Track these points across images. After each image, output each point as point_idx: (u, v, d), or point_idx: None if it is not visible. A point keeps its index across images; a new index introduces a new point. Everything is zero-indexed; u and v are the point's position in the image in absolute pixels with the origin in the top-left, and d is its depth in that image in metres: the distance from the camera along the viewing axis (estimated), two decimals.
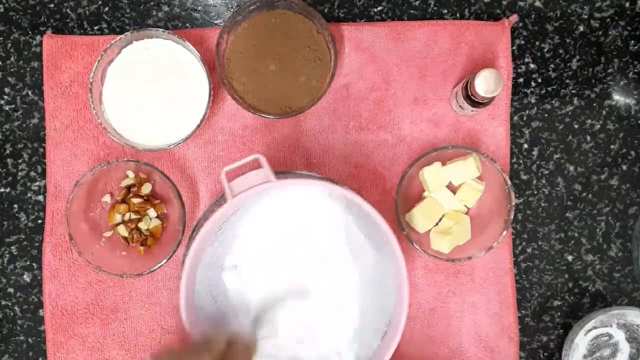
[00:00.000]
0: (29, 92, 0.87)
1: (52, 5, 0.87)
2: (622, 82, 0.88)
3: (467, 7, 0.87)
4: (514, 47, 0.87)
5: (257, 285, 0.76)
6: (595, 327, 0.86)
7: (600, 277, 0.87)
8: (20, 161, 0.87)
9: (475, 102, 0.78)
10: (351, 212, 0.74)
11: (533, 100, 0.87)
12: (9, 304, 0.86)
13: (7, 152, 0.87)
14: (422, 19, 0.87)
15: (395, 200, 0.81)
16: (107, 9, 0.87)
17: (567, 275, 0.87)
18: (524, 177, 0.87)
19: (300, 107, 0.81)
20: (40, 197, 0.87)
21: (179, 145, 0.82)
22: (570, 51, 0.87)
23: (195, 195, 0.86)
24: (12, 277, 0.87)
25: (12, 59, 0.87)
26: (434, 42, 0.86)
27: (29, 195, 0.87)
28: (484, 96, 0.75)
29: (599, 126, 0.87)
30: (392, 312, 0.73)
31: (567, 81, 0.87)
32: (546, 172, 0.87)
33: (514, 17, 0.85)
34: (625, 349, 0.87)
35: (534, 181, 0.87)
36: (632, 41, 0.88)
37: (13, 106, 0.87)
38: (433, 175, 0.82)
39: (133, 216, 0.84)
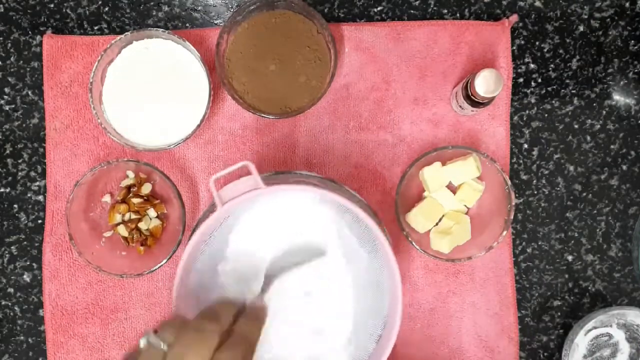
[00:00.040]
0: (29, 92, 0.87)
1: (52, 5, 0.87)
2: (622, 82, 0.88)
3: (467, 7, 0.87)
4: (514, 47, 0.87)
5: (252, 291, 0.76)
6: (595, 327, 0.86)
7: (600, 277, 0.87)
8: (20, 161, 0.87)
9: (475, 102, 0.78)
10: (343, 215, 0.74)
11: (533, 100, 0.87)
12: (9, 304, 0.87)
13: (7, 152, 0.87)
14: (422, 19, 0.87)
15: (395, 200, 0.81)
16: (107, 9, 0.87)
17: (567, 275, 0.87)
18: (524, 177, 0.87)
19: (300, 107, 0.81)
20: (40, 197, 0.87)
21: (179, 145, 0.82)
22: (570, 51, 0.87)
23: (195, 195, 0.86)
24: (12, 277, 0.87)
25: (12, 59, 0.87)
26: (434, 42, 0.86)
27: (29, 195, 0.87)
28: (484, 96, 0.75)
29: (599, 126, 0.87)
30: (386, 314, 0.73)
31: (567, 81, 0.87)
32: (546, 172, 0.87)
33: (514, 17, 0.85)
34: (625, 349, 0.87)
35: (534, 181, 0.87)
36: (632, 41, 0.88)
37: (13, 106, 0.87)
38: (433, 175, 0.82)
39: (133, 216, 0.84)
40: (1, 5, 0.87)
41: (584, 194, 0.87)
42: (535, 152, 0.87)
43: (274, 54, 0.81)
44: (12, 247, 0.87)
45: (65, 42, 0.85)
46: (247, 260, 0.76)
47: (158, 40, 0.82)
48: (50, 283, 0.85)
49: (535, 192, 0.87)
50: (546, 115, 0.87)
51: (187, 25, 0.87)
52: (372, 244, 0.74)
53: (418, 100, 0.86)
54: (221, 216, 0.71)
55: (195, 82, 0.82)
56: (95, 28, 0.87)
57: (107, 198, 0.85)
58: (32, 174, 0.87)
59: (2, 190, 0.87)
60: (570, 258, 0.88)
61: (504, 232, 0.80)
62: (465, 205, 0.85)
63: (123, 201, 0.84)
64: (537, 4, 0.87)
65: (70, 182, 0.85)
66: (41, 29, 0.87)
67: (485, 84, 0.75)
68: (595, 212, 0.87)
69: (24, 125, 0.87)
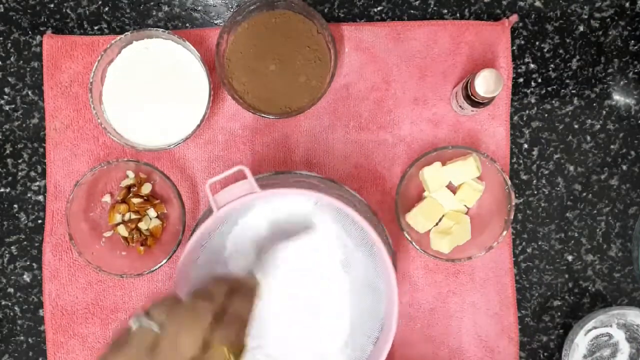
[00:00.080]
0: (29, 92, 0.87)
1: (52, 5, 0.87)
2: (622, 82, 0.88)
3: (467, 7, 0.87)
4: (514, 47, 0.87)
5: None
6: (595, 327, 0.86)
7: (600, 277, 0.87)
8: (20, 161, 0.87)
9: (475, 102, 0.78)
10: (340, 220, 0.75)
11: (533, 100, 0.87)
12: (9, 304, 0.87)
13: (7, 152, 0.87)
14: (422, 19, 0.87)
15: (395, 200, 0.81)
16: (107, 9, 0.87)
17: (567, 275, 0.87)
18: (524, 177, 0.87)
19: (300, 107, 0.81)
20: (40, 197, 0.87)
21: (179, 145, 0.82)
22: (570, 51, 0.87)
23: (195, 195, 0.86)
24: (12, 277, 0.87)
25: (12, 59, 0.87)
26: (434, 42, 0.86)
27: (29, 195, 0.87)
28: (484, 96, 0.75)
29: (599, 126, 0.87)
30: (383, 316, 0.73)
31: (567, 81, 0.87)
32: (546, 172, 0.87)
33: (514, 17, 0.85)
34: (625, 349, 0.87)
35: (534, 181, 0.87)
36: (632, 41, 0.88)
37: (13, 106, 0.87)
38: (433, 175, 0.82)
39: (133, 216, 0.84)
40: (1, 5, 0.87)
41: (584, 194, 0.87)
42: (535, 152, 0.87)
43: (274, 54, 0.81)
44: (12, 247, 0.87)
45: (65, 42, 0.85)
46: (244, 261, 0.76)
47: (158, 40, 0.82)
48: (50, 283, 0.85)
49: (535, 192, 0.87)
50: (546, 115, 0.87)
51: (187, 25, 0.87)
52: (369, 247, 0.74)
53: (418, 100, 0.86)
54: (217, 220, 0.71)
55: (195, 82, 0.82)
56: (95, 28, 0.87)
57: (107, 198, 0.85)
58: (32, 174, 0.87)
59: (2, 190, 0.87)
60: (570, 258, 0.88)
61: (504, 232, 0.80)
62: (465, 205, 0.85)
63: (123, 201, 0.84)
64: (537, 4, 0.87)
65: (70, 182, 0.85)
66: (41, 29, 0.87)
67: (485, 84, 0.75)
68: (595, 212, 0.87)
69: (24, 125, 0.87)
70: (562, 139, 0.87)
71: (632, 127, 0.88)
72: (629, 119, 0.87)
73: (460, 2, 0.87)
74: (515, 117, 0.87)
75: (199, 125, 0.80)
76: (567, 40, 0.87)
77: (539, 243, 0.87)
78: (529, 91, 0.87)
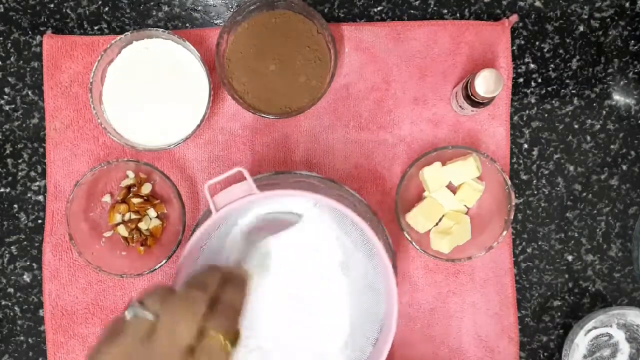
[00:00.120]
0: (29, 92, 0.87)
1: (52, 5, 0.87)
2: (622, 82, 0.88)
3: (467, 7, 0.87)
4: (514, 47, 0.87)
5: (249, 297, 0.75)
6: (595, 327, 0.86)
7: (600, 277, 0.87)
8: (20, 161, 0.87)
9: (475, 102, 0.78)
10: (339, 221, 0.75)
11: (533, 100, 0.87)
12: (9, 304, 0.87)
13: (7, 152, 0.87)
14: (422, 19, 0.87)
15: (395, 200, 0.81)
16: (107, 9, 0.87)
17: (567, 275, 0.87)
18: (524, 177, 0.87)
19: (300, 107, 0.81)
20: (40, 197, 0.87)
21: (179, 145, 0.82)
22: (570, 51, 0.87)
23: (195, 195, 0.86)
24: (12, 277, 0.87)
25: (12, 59, 0.87)
26: (434, 42, 0.86)
27: (29, 195, 0.87)
28: (484, 96, 0.75)
29: (599, 126, 0.87)
30: (383, 317, 0.73)
31: (567, 81, 0.87)
32: (546, 172, 0.87)
33: (514, 17, 0.85)
34: (625, 349, 0.87)
35: (534, 181, 0.87)
36: (632, 41, 0.88)
37: (13, 106, 0.87)
38: (433, 175, 0.82)
39: (133, 216, 0.84)
40: (1, 5, 0.87)
41: (584, 194, 0.87)
42: (535, 152, 0.87)
43: (274, 54, 0.81)
44: (12, 247, 0.87)
45: (65, 42, 0.85)
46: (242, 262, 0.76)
47: (158, 40, 0.82)
48: (50, 283, 0.85)
49: (535, 192, 0.87)
50: (546, 115, 0.87)
51: (187, 25, 0.87)
52: (368, 248, 0.74)
53: (418, 100, 0.86)
54: (217, 221, 0.71)
55: (195, 82, 0.82)
56: (95, 28, 0.87)
57: (107, 198, 0.85)
58: (32, 174, 0.87)
59: (2, 190, 0.87)
60: (570, 258, 0.88)
61: (504, 232, 0.80)
62: (465, 205, 0.85)
63: (123, 201, 0.84)
64: (537, 4, 0.87)
65: (70, 182, 0.85)
66: (41, 29, 0.87)
67: (485, 84, 0.74)
68: (595, 212, 0.87)
69: (24, 125, 0.87)
70: (562, 139, 0.87)
71: (632, 127, 0.88)
72: (629, 119, 0.87)
73: (460, 2, 0.87)
74: (515, 117, 0.87)
75: (199, 125, 0.80)
76: (567, 40, 0.87)
77: (539, 243, 0.87)
78: (529, 91, 0.87)
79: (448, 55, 0.86)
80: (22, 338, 0.87)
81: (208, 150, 0.86)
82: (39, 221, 0.87)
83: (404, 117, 0.86)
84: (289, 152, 0.86)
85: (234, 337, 0.57)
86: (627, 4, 0.87)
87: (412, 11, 0.87)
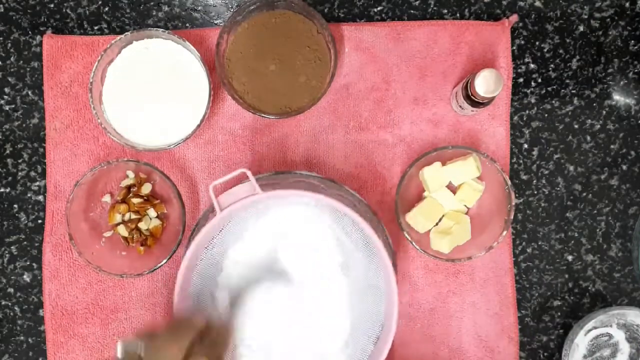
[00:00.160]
0: (29, 92, 0.87)
1: (52, 5, 0.87)
2: (622, 82, 0.88)
3: (467, 7, 0.87)
4: (514, 47, 0.87)
5: (251, 297, 0.76)
6: (595, 327, 0.86)
7: (600, 277, 0.87)
8: (20, 161, 0.87)
9: (475, 102, 0.78)
10: (340, 221, 0.75)
11: (533, 100, 0.87)
12: (9, 304, 0.86)
13: (7, 152, 0.87)
14: (422, 19, 0.87)
15: (395, 200, 0.81)
16: (107, 9, 0.87)
17: (567, 275, 0.87)
18: (524, 177, 0.87)
19: (300, 107, 0.81)
20: (40, 197, 0.87)
21: (179, 145, 0.82)
22: (570, 51, 0.87)
23: (195, 195, 0.86)
24: (12, 277, 0.87)
25: (12, 59, 0.87)
26: (434, 42, 0.86)
27: (29, 195, 0.87)
28: (484, 96, 0.75)
29: (599, 126, 0.87)
30: (383, 316, 0.73)
31: (567, 81, 0.87)
32: (546, 172, 0.87)
33: (514, 17, 0.85)
34: (625, 349, 0.87)
35: (534, 181, 0.87)
36: (632, 41, 0.88)
37: (13, 106, 0.87)
38: (433, 175, 0.82)
39: (133, 216, 0.84)
40: (1, 5, 0.87)
41: (584, 194, 0.87)
42: (535, 152, 0.87)
43: (274, 54, 0.81)
44: (12, 247, 0.87)
45: (65, 42, 0.85)
46: (245, 277, 0.76)
47: (158, 40, 0.82)
48: (50, 283, 0.85)
49: (535, 192, 0.87)
50: (546, 115, 0.87)
51: (187, 25, 0.87)
52: (368, 247, 0.74)
53: (418, 100, 0.86)
54: (221, 222, 0.72)
55: (195, 82, 0.82)
56: (95, 28, 0.87)
57: (107, 198, 0.85)
58: (32, 174, 0.87)
59: (2, 190, 0.87)
60: (570, 258, 0.87)
61: (504, 232, 0.80)
62: (465, 205, 0.85)
63: (123, 201, 0.84)
64: (537, 4, 0.87)
65: (70, 182, 0.85)
66: (41, 29, 0.87)
67: (485, 84, 0.74)
68: (595, 212, 0.87)
69: (24, 125, 0.87)
70: (562, 139, 0.87)
71: (632, 127, 0.88)
72: (629, 119, 0.87)
73: (460, 2, 0.87)
74: (515, 117, 0.87)
75: (199, 125, 0.80)
76: (567, 40, 0.87)
77: (539, 243, 0.87)
78: (529, 91, 0.87)
79: (448, 55, 0.86)
80: (22, 338, 0.87)
81: (208, 150, 0.86)
82: (39, 221, 0.87)
83: (404, 117, 0.86)
84: (289, 152, 0.86)
85: None
86: (627, 4, 0.87)
87: (412, 11, 0.87)
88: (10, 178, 0.87)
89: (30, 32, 0.87)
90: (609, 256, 0.87)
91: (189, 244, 0.75)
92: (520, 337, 0.87)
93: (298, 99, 0.82)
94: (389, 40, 0.86)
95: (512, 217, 0.80)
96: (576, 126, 0.87)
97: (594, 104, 0.87)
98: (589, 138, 0.87)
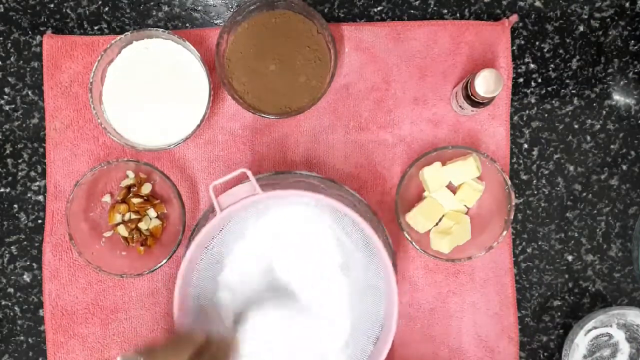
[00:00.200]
0: (29, 92, 0.87)
1: (52, 5, 0.87)
2: (622, 82, 0.88)
3: (467, 7, 0.87)
4: (514, 47, 0.87)
5: (251, 299, 0.76)
6: (595, 327, 0.86)
7: (600, 277, 0.87)
8: (20, 161, 0.87)
9: (475, 102, 0.78)
10: (340, 221, 0.75)
11: (533, 100, 0.87)
12: (9, 304, 0.86)
13: (7, 152, 0.87)
14: (422, 19, 0.87)
15: (395, 200, 0.81)
16: (107, 9, 0.87)
17: (567, 275, 0.87)
18: (524, 177, 0.87)
19: (300, 107, 0.81)
20: (40, 197, 0.87)
21: (179, 145, 0.82)
22: (570, 51, 0.87)
23: (195, 195, 0.86)
24: (12, 277, 0.87)
25: (12, 59, 0.87)
26: (434, 42, 0.86)
27: (29, 195, 0.87)
28: (484, 96, 0.75)
29: (599, 126, 0.87)
30: (383, 316, 0.73)
31: (567, 81, 0.87)
32: (546, 172, 0.87)
33: (514, 17, 0.85)
34: (625, 349, 0.87)
35: (534, 181, 0.87)
36: (632, 41, 0.88)
37: (13, 106, 0.87)
38: (433, 175, 0.82)
39: (133, 216, 0.84)
40: (1, 5, 0.87)
41: (584, 194, 0.87)
42: (535, 152, 0.87)
43: (274, 54, 0.81)
44: (12, 247, 0.87)
45: (65, 42, 0.85)
46: (246, 277, 0.76)
47: (158, 40, 0.82)
48: (50, 283, 0.85)
49: (535, 192, 0.87)
50: (546, 115, 0.87)
51: (187, 25, 0.87)
52: (368, 248, 0.74)
53: (418, 100, 0.86)
54: (221, 222, 0.72)
55: (195, 82, 0.82)
56: (95, 28, 0.87)
57: (107, 198, 0.85)
58: (32, 174, 0.87)
59: (2, 190, 0.87)
60: (570, 258, 0.88)
61: (504, 232, 0.80)
62: (465, 205, 0.85)
63: (123, 201, 0.84)
64: (537, 4, 0.87)
65: (70, 182, 0.85)
66: (41, 29, 0.87)
67: (485, 84, 0.74)
68: (595, 212, 0.87)
69: (24, 125, 0.87)
70: (562, 139, 0.87)
71: (632, 127, 0.88)
72: (629, 119, 0.87)
73: (460, 2, 0.87)
74: (515, 117, 0.87)
75: (199, 125, 0.80)
76: (567, 40, 0.87)
77: (539, 243, 0.87)
78: (529, 91, 0.87)
79: (448, 55, 0.86)
80: (22, 338, 0.87)
81: (208, 150, 0.86)
82: (39, 221, 0.87)
83: (404, 117, 0.86)
84: (289, 152, 0.86)
85: None
86: (627, 4, 0.87)
87: (412, 11, 0.87)
88: (10, 178, 0.87)
89: (30, 32, 0.87)
90: (609, 256, 0.87)
91: (189, 243, 0.75)
92: (520, 337, 0.87)
93: (298, 99, 0.82)
94: (389, 40, 0.86)
95: (512, 217, 0.80)
96: (576, 126, 0.87)
97: (594, 104, 0.87)
98: (589, 138, 0.87)
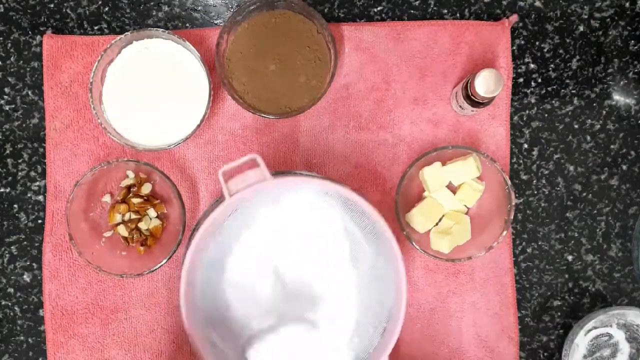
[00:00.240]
0: (29, 92, 0.87)
1: (52, 5, 0.87)
2: (622, 82, 0.88)
3: (467, 7, 0.87)
4: (514, 47, 0.87)
5: (258, 287, 0.76)
6: (595, 327, 0.86)
7: (600, 277, 0.87)
8: (20, 161, 0.87)
9: (475, 102, 0.78)
10: (348, 209, 0.75)
11: (533, 100, 0.87)
12: (9, 304, 0.86)
13: (7, 152, 0.87)
14: (422, 19, 0.87)
15: (395, 200, 0.81)
16: (107, 9, 0.87)
17: (567, 275, 0.87)
18: (524, 177, 0.87)
19: (300, 107, 0.81)
20: (40, 197, 0.87)
21: (179, 145, 0.82)
22: (570, 51, 0.87)
23: (195, 195, 0.86)
24: (12, 277, 0.87)
25: (12, 59, 0.87)
26: (434, 42, 0.86)
27: (29, 195, 0.87)
28: (484, 96, 0.75)
29: (599, 126, 0.87)
30: (391, 307, 0.73)
31: (567, 81, 0.87)
32: (546, 172, 0.87)
33: (514, 17, 0.85)
34: (625, 349, 0.87)
35: (534, 181, 0.87)
36: (632, 41, 0.88)
37: (13, 106, 0.87)
38: (433, 175, 0.82)
39: (133, 216, 0.84)
40: (1, 5, 0.87)
41: (584, 194, 0.87)
42: (535, 152, 0.87)
43: (274, 54, 0.81)
44: (12, 247, 0.87)
45: (65, 42, 0.85)
46: (253, 272, 0.76)
47: (158, 40, 0.82)
48: (50, 283, 0.85)
49: (535, 192, 0.87)
50: (546, 115, 0.87)
51: (187, 25, 0.87)
52: (377, 238, 0.74)
53: (418, 100, 0.86)
54: (229, 208, 0.71)
55: (195, 82, 0.82)
56: (95, 28, 0.87)
57: (107, 198, 0.85)
58: (32, 174, 0.87)
59: (2, 190, 0.87)
60: (570, 258, 0.88)
61: (504, 232, 0.80)
62: (465, 205, 0.85)
63: (123, 201, 0.84)
64: (537, 4, 0.87)
65: (70, 182, 0.85)
66: (41, 29, 0.87)
67: (485, 84, 0.75)
68: (595, 212, 0.87)
69: (24, 125, 0.87)
70: (562, 139, 0.87)
71: (632, 127, 0.88)
72: (629, 119, 0.87)
73: (460, 2, 0.87)
74: (515, 117, 0.87)
75: (199, 125, 0.80)
76: (567, 40, 0.87)
77: (539, 243, 0.87)
78: (529, 91, 0.87)
79: (448, 55, 0.86)
80: (22, 338, 0.87)
81: (208, 150, 0.86)
82: (39, 221, 0.87)
83: (404, 117, 0.86)
84: (289, 152, 0.86)
85: None
86: (627, 4, 0.87)
87: (412, 11, 0.87)
88: (10, 178, 0.87)
89: (30, 32, 0.87)
90: (609, 256, 0.87)
91: (194, 233, 0.74)
92: (520, 337, 0.87)
93: (298, 99, 0.82)
94: (389, 40, 0.86)
95: (512, 217, 0.80)
96: (576, 126, 0.87)
97: (594, 104, 0.87)
98: (589, 138, 0.87)
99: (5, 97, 0.87)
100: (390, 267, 0.72)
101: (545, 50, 0.87)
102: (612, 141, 0.87)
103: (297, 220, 0.76)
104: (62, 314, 0.85)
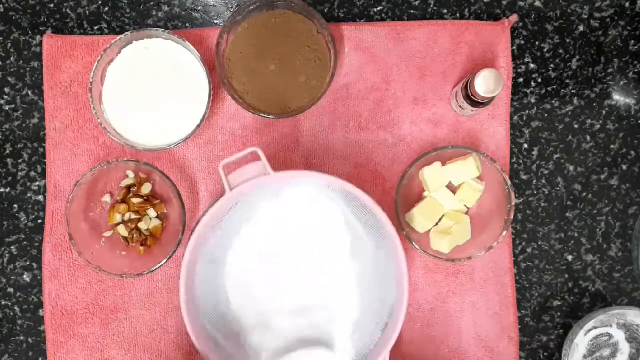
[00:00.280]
0: (29, 92, 0.87)
1: (52, 5, 0.87)
2: (622, 82, 0.88)
3: (467, 7, 0.87)
4: (514, 47, 0.87)
5: (259, 282, 0.76)
6: (595, 327, 0.86)
7: (600, 277, 0.87)
8: (20, 161, 0.87)
9: (475, 102, 0.78)
10: (350, 204, 0.75)
11: (533, 100, 0.87)
12: (9, 304, 0.86)
13: (7, 152, 0.87)
14: (422, 19, 0.87)
15: (395, 200, 0.81)
16: (107, 9, 0.87)
17: (567, 275, 0.87)
18: (524, 177, 0.87)
19: (300, 107, 0.81)
20: (40, 197, 0.87)
21: (179, 145, 0.82)
22: (570, 51, 0.87)
23: (195, 195, 0.86)
24: (12, 277, 0.87)
25: (12, 59, 0.87)
26: (434, 42, 0.86)
27: (29, 195, 0.87)
28: (484, 96, 0.75)
29: (599, 126, 0.87)
30: (392, 303, 0.73)
31: (567, 81, 0.87)
32: (546, 172, 0.87)
33: (514, 17, 0.85)
34: (625, 349, 0.87)
35: (534, 181, 0.87)
36: (632, 41, 0.88)
37: (13, 106, 0.87)
38: (433, 175, 0.82)
39: (133, 216, 0.84)
40: (1, 5, 0.87)
41: (584, 194, 0.87)
42: (535, 152, 0.87)
43: (274, 54, 0.81)
44: (12, 247, 0.87)
45: (65, 42, 0.85)
46: (253, 266, 0.76)
47: (158, 40, 0.82)
48: (50, 283, 0.85)
49: (535, 192, 0.87)
50: (546, 115, 0.87)
51: (187, 25, 0.87)
52: (378, 233, 0.74)
53: (418, 100, 0.86)
54: (229, 201, 0.71)
55: (195, 82, 0.82)
56: (95, 28, 0.87)
57: (107, 198, 0.85)
58: (32, 174, 0.87)
59: (2, 190, 0.87)
60: (570, 258, 0.88)
61: (504, 232, 0.80)
62: (465, 205, 0.85)
63: (123, 201, 0.84)
64: (537, 4, 0.87)
65: (70, 182, 0.85)
66: (41, 29, 0.87)
67: (485, 84, 0.75)
68: (595, 212, 0.87)
69: (24, 125, 0.87)
70: (562, 139, 0.87)
71: (632, 127, 0.88)
72: (629, 119, 0.87)
73: (460, 2, 0.87)
74: (515, 117, 0.87)
75: (199, 125, 0.80)
76: (567, 40, 0.87)
77: (539, 243, 0.87)
78: (529, 91, 0.87)
79: (448, 55, 0.86)
80: (22, 338, 0.87)
81: (208, 150, 0.86)
82: (39, 221, 0.87)
83: (404, 117, 0.86)
84: (289, 152, 0.86)
85: None
86: (627, 4, 0.87)
87: (412, 11, 0.87)
88: (10, 178, 0.87)
89: (30, 32, 0.87)
90: (609, 256, 0.87)
91: (193, 230, 0.75)
92: (520, 337, 0.87)
93: (298, 99, 0.82)
94: (389, 40, 0.86)
95: (512, 217, 0.80)
96: (576, 126, 0.87)
97: (594, 104, 0.87)
98: (589, 138, 0.87)
99: (5, 97, 0.87)
100: (391, 261, 0.72)
101: (545, 50, 0.87)
102: (612, 141, 0.87)
103: (298, 214, 0.76)
104: (62, 314, 0.85)
